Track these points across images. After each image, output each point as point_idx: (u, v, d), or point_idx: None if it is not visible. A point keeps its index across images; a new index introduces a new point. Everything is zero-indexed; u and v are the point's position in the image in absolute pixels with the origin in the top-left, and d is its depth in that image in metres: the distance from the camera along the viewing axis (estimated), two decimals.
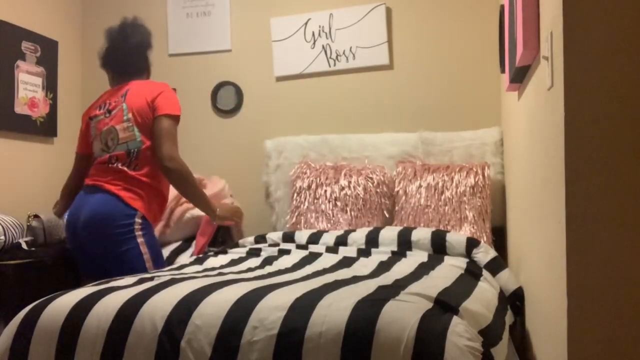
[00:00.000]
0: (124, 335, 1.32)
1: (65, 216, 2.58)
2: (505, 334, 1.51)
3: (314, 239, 2.34)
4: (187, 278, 1.59)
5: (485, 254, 2.05)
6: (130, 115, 2.43)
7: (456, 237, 2.14)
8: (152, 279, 1.63)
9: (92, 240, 2.37)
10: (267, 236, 2.45)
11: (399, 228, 2.31)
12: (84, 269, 2.52)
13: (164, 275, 1.70)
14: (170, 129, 2.40)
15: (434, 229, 2.26)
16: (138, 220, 2.36)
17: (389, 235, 2.23)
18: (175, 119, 2.44)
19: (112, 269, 2.30)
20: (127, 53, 2.59)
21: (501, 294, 1.81)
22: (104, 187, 2.38)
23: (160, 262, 2.43)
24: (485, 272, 1.92)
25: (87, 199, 2.41)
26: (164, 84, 2.52)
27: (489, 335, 1.31)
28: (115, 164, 2.41)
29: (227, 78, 3.55)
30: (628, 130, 1.04)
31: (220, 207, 2.54)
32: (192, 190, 2.45)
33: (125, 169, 2.39)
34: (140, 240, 2.35)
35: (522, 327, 1.90)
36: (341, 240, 2.27)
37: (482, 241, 2.20)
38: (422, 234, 2.19)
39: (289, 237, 2.41)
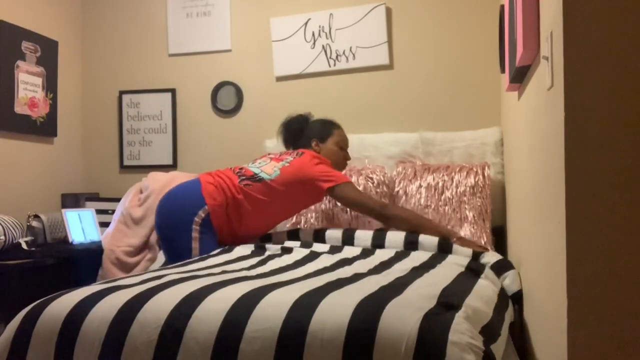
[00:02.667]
0: (126, 328, 1.33)
1: None
2: (504, 330, 1.51)
3: (319, 237, 2.34)
4: (192, 277, 1.61)
5: (492, 257, 2.07)
6: (287, 164, 2.43)
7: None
8: (156, 277, 1.63)
9: (160, 215, 2.35)
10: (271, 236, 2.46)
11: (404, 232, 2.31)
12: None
13: (168, 273, 1.70)
14: (353, 191, 2.42)
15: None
16: (202, 214, 2.25)
17: (396, 238, 2.24)
18: (346, 183, 2.43)
19: (168, 250, 2.31)
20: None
21: (502, 291, 1.82)
22: (200, 176, 2.39)
23: None
24: (487, 270, 1.93)
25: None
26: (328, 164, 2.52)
27: (488, 332, 1.32)
28: (236, 170, 2.43)
29: (227, 78, 3.55)
30: (628, 130, 1.04)
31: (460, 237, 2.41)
32: (417, 228, 2.29)
33: (237, 178, 2.37)
34: (195, 235, 2.24)
35: (522, 326, 1.90)
36: (346, 239, 2.29)
37: (488, 246, 2.21)
38: (428, 238, 2.20)
39: (293, 235, 2.41)
